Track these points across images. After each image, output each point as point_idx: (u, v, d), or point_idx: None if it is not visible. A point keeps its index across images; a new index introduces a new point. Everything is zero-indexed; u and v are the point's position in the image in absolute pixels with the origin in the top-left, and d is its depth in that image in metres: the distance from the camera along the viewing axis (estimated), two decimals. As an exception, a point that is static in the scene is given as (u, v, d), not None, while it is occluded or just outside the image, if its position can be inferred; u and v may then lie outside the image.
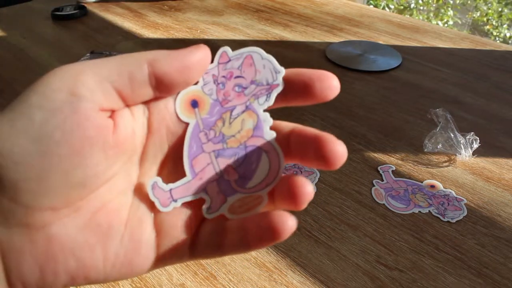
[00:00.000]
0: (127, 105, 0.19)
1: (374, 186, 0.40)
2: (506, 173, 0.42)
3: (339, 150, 0.18)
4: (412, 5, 3.09)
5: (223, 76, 0.20)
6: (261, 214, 0.19)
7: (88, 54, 0.63)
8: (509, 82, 0.59)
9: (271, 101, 0.20)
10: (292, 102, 0.20)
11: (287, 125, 0.20)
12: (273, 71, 0.20)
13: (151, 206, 0.20)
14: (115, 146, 0.18)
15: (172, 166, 0.20)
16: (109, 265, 0.19)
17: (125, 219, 0.19)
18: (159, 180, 0.20)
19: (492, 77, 0.60)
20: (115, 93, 0.18)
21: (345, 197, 0.39)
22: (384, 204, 0.38)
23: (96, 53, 0.63)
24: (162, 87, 0.19)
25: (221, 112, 0.20)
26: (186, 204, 0.20)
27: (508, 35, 2.94)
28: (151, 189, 0.20)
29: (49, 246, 0.18)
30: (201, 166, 0.20)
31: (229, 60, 0.20)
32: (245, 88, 0.20)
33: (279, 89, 0.19)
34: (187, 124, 0.20)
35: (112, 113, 0.19)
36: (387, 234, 0.35)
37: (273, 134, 0.19)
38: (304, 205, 0.18)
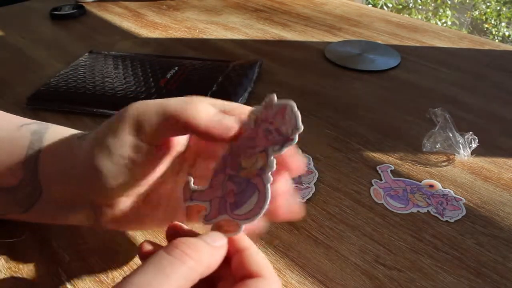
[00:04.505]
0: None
1: (372, 185, 0.40)
2: (505, 172, 0.42)
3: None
4: (411, 4, 3.09)
5: (261, 119, 0.24)
6: None
7: (87, 54, 0.63)
8: (508, 81, 0.59)
9: (282, 152, 0.22)
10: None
11: None
12: (294, 127, 0.22)
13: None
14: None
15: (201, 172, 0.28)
16: (154, 224, 0.30)
17: (169, 198, 0.29)
18: (191, 179, 0.26)
19: (491, 76, 0.60)
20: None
21: (344, 196, 0.39)
22: (382, 203, 0.38)
23: (95, 53, 0.63)
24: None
25: (247, 146, 0.24)
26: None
27: (507, 33, 2.94)
28: (184, 185, 0.26)
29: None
30: (217, 182, 0.25)
31: (272, 106, 0.23)
32: (271, 133, 0.23)
33: (292, 143, 0.22)
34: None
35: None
36: (385, 233, 0.35)
37: (270, 179, 0.22)
38: None
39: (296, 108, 0.22)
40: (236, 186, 0.23)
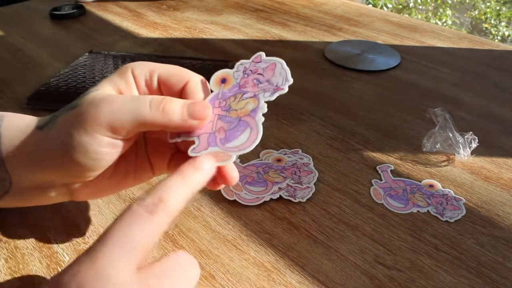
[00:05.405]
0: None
1: (373, 185, 0.40)
2: (505, 172, 0.42)
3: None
4: (411, 4, 3.09)
5: (251, 70, 0.27)
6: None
7: (87, 54, 0.63)
8: (508, 81, 0.59)
9: (273, 98, 0.26)
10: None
11: None
12: (284, 79, 0.27)
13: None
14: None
15: None
16: (127, 187, 0.32)
17: (135, 163, 0.31)
18: None
19: (491, 76, 0.60)
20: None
21: (344, 196, 0.39)
22: (382, 203, 0.38)
23: (95, 53, 0.63)
24: None
25: (236, 92, 0.27)
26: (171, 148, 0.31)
27: (506, 33, 2.94)
28: None
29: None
30: (206, 121, 0.27)
31: (260, 61, 0.28)
32: (261, 82, 0.27)
33: (283, 92, 0.26)
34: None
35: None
36: (385, 233, 0.35)
37: (262, 119, 0.26)
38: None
39: (286, 64, 0.27)
40: (226, 124, 0.26)
